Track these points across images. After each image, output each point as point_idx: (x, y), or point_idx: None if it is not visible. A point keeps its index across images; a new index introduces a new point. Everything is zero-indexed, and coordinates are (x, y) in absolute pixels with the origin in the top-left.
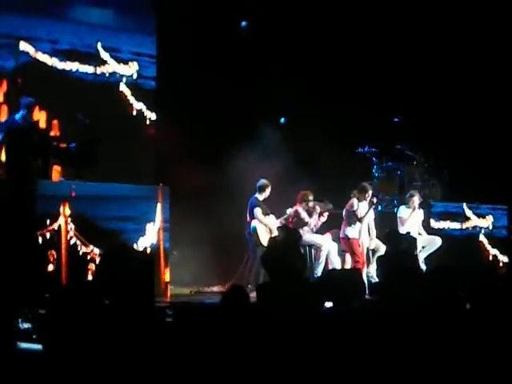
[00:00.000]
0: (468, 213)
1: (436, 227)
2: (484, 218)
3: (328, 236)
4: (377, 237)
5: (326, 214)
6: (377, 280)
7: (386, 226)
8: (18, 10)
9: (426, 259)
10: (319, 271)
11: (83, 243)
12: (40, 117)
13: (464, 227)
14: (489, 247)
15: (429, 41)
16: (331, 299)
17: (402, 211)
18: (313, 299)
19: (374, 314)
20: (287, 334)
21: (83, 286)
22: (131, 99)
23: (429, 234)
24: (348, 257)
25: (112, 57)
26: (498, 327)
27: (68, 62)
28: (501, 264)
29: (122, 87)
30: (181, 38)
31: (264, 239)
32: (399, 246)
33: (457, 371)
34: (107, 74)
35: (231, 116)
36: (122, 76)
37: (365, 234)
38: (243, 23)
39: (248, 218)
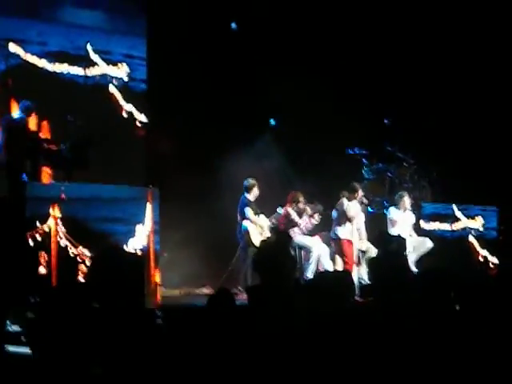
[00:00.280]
0: (458, 214)
1: (426, 228)
2: (474, 219)
3: (318, 238)
4: (367, 238)
5: (317, 216)
6: (367, 282)
7: (377, 228)
8: (8, 12)
9: (417, 261)
10: (309, 273)
11: (73, 245)
12: (30, 119)
13: (454, 228)
14: (479, 248)
15: (418, 42)
16: (321, 301)
17: (393, 212)
18: (303, 301)
19: (365, 316)
20: (278, 335)
21: (74, 288)
22: (121, 101)
23: (419, 235)
24: (338, 258)
25: (102, 59)
26: (488, 328)
27: (58, 64)
28: (491, 265)
29: (112, 89)
30: (171, 40)
31: (256, 239)
32: (389, 248)
33: (447, 372)
34: (97, 76)
35: (222, 118)
36: (112, 78)
37: (355, 235)
38: (233, 25)
39: (239, 218)
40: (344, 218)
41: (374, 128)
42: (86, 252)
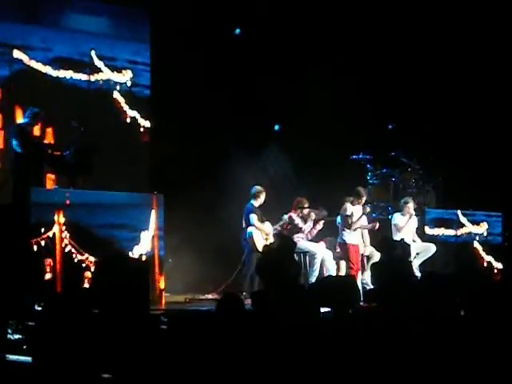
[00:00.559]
0: (463, 219)
1: (430, 234)
2: (478, 224)
3: (322, 244)
4: (370, 244)
5: (321, 222)
6: (371, 287)
7: (381, 233)
8: (12, 18)
9: (421, 266)
10: (313, 278)
11: (78, 251)
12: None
13: (459, 234)
14: (483, 254)
15: (422, 47)
16: (325, 306)
17: (397, 218)
18: (307, 306)
19: (369, 321)
20: (282, 341)
21: (78, 294)
22: (125, 107)
23: (423, 240)
24: (343, 264)
25: (106, 65)
26: (493, 334)
27: (62, 70)
28: (495, 271)
29: (116, 95)
30: (175, 46)
31: (260, 245)
32: (393, 253)
33: (451, 377)
34: (101, 82)
35: (225, 123)
36: (116, 84)
37: (360, 240)
38: (237, 31)
39: (244, 225)
40: (349, 223)
41: (378, 133)
42: (91, 258)
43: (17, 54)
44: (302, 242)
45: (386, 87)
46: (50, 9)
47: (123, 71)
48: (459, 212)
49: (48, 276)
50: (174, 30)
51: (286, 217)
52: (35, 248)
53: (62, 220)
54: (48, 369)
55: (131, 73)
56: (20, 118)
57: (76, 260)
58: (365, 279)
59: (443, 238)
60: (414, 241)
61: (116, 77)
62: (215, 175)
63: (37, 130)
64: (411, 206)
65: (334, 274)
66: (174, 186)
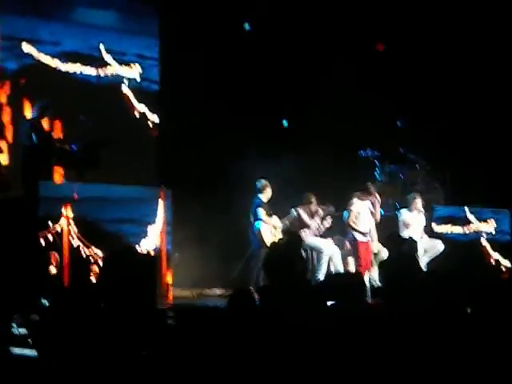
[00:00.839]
0: (470, 217)
1: (438, 231)
2: (486, 222)
3: (330, 240)
4: (378, 240)
5: (329, 219)
6: (379, 284)
7: (388, 230)
8: (22, 11)
9: (428, 263)
10: (321, 275)
11: (86, 245)
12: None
13: (466, 231)
14: (491, 251)
15: (431, 43)
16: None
17: (404, 214)
18: (314, 302)
19: (376, 318)
20: (288, 336)
21: (85, 289)
22: (134, 101)
23: (430, 237)
24: (351, 260)
25: (115, 59)
26: (499, 332)
27: (70, 64)
28: (503, 269)
29: (125, 89)
30: (184, 41)
31: (268, 240)
32: (400, 249)
33: (457, 374)
34: (110, 76)
35: (234, 118)
36: (125, 78)
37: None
38: (246, 25)
39: (252, 219)
40: (359, 219)
41: (386, 130)
42: (99, 252)
43: (26, 47)
44: (309, 237)
45: (395, 84)
46: (59, 2)
47: (132, 65)
48: (467, 209)
49: (55, 270)
50: (183, 24)
51: (293, 211)
52: (42, 242)
53: (70, 214)
54: (53, 363)
55: (140, 67)
56: (28, 112)
57: (83, 254)
58: (372, 275)
59: (451, 235)
60: (421, 237)
61: (125, 71)
62: (223, 170)
63: (45, 124)
64: (419, 201)
65: (341, 270)
66: (181, 180)
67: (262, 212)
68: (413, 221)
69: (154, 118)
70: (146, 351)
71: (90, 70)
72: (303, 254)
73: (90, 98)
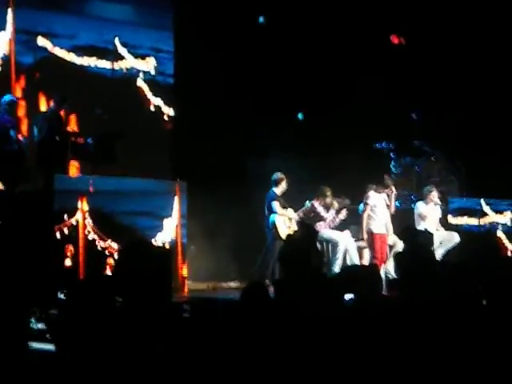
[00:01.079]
0: (486, 208)
1: (454, 223)
2: (502, 213)
3: (347, 232)
4: (394, 233)
5: (344, 212)
6: (394, 276)
7: (404, 223)
8: (38, 5)
9: (444, 255)
10: (336, 267)
11: (101, 238)
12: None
13: (482, 223)
14: (507, 243)
15: (446, 34)
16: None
17: (420, 207)
18: (329, 295)
19: (392, 311)
20: (304, 329)
21: (101, 281)
22: (149, 94)
23: (446, 230)
24: (366, 252)
25: (129, 52)
26: None
27: (86, 58)
28: None
29: (140, 82)
30: (199, 34)
31: (283, 233)
32: (416, 242)
33: (473, 367)
34: (125, 70)
35: (249, 111)
36: (140, 71)
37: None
38: (261, 18)
39: (266, 212)
40: (374, 211)
41: (401, 122)
42: (114, 245)
43: (41, 41)
44: (324, 230)
45: (410, 76)
46: None
47: (147, 59)
48: (482, 201)
49: (70, 263)
50: (197, 17)
51: (308, 203)
52: (58, 235)
53: (86, 207)
54: (71, 357)
55: (155, 60)
56: (44, 106)
57: (99, 247)
58: (388, 268)
59: (466, 227)
60: (437, 230)
61: (139, 64)
62: (238, 163)
63: (61, 117)
64: (435, 194)
65: (357, 262)
66: (196, 173)
67: (276, 205)
68: (429, 213)
69: (169, 111)
70: (162, 344)
71: (105, 64)
72: (319, 246)
73: (104, 91)
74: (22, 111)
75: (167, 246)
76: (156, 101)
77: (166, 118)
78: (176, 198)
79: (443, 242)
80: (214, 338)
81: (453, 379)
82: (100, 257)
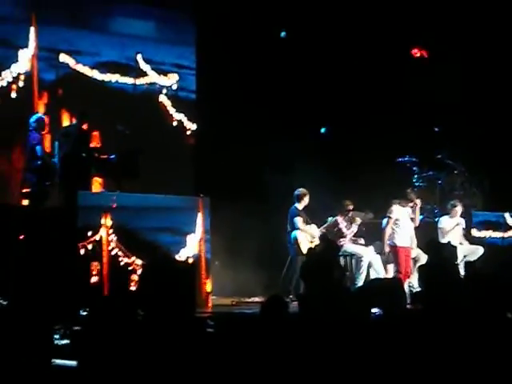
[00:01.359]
0: (510, 221)
1: (477, 236)
2: None
3: (371, 248)
4: (418, 246)
5: (355, 225)
6: (418, 289)
7: (427, 236)
8: (60, 23)
9: (468, 268)
10: (360, 281)
11: (125, 254)
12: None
13: (506, 236)
14: None
15: (470, 47)
16: (373, 308)
17: (444, 222)
18: (353, 309)
19: (416, 324)
20: (329, 344)
21: (124, 297)
22: (171, 110)
23: (470, 243)
24: (390, 267)
25: (152, 68)
26: None
27: (109, 74)
28: None
29: (162, 98)
30: (220, 49)
31: (305, 249)
32: (440, 256)
33: (495, 380)
34: (147, 85)
35: (271, 126)
36: (162, 87)
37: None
38: (282, 33)
39: (289, 228)
40: (397, 225)
41: (424, 135)
42: (138, 261)
43: (63, 58)
44: (348, 244)
45: (433, 90)
46: (96, 13)
47: (169, 75)
48: (506, 214)
49: (95, 279)
50: (219, 32)
51: (332, 219)
52: (82, 251)
53: (109, 223)
54: (94, 372)
55: (177, 76)
56: (67, 122)
57: (123, 263)
58: (411, 282)
59: (490, 240)
60: (461, 243)
61: (162, 80)
62: (262, 178)
63: (84, 131)
64: (459, 209)
65: (381, 276)
66: (220, 188)
67: (299, 221)
68: (453, 227)
69: (191, 126)
70: (186, 359)
71: (127, 80)
72: (342, 260)
73: (127, 107)
74: (45, 127)
75: (191, 262)
76: (178, 116)
77: (188, 133)
78: (199, 214)
79: (467, 255)
80: (239, 353)
81: None
82: (124, 273)
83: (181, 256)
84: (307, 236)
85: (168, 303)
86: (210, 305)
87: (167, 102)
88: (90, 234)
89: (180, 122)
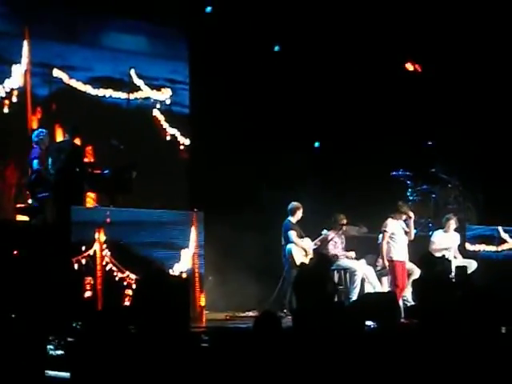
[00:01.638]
0: (504, 235)
1: (471, 250)
2: None
3: (363, 261)
4: (411, 260)
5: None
6: (412, 303)
7: (421, 250)
8: (52, 38)
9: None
10: (354, 295)
11: (119, 269)
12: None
13: (500, 250)
14: None
15: (462, 62)
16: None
17: (438, 235)
18: (347, 323)
19: (410, 338)
20: (322, 357)
21: (118, 312)
22: (165, 125)
23: (464, 257)
24: (384, 280)
25: (145, 83)
26: None
27: (102, 89)
28: None
29: (156, 113)
30: (213, 64)
31: (299, 262)
32: (434, 269)
33: None
34: (140, 100)
35: (264, 141)
36: (156, 102)
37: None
38: (276, 48)
39: (283, 242)
40: (394, 239)
41: (418, 150)
42: (132, 276)
43: (56, 73)
44: (342, 258)
45: (426, 104)
46: (89, 28)
47: (162, 89)
48: (500, 228)
49: (89, 294)
50: (212, 47)
51: (326, 232)
52: (76, 266)
53: (103, 238)
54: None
55: (170, 91)
56: (60, 137)
57: (117, 278)
58: (405, 295)
59: (484, 253)
60: (455, 257)
61: (155, 95)
62: (255, 192)
63: (77, 145)
64: (453, 222)
65: (379, 289)
66: (213, 203)
67: (293, 235)
68: (447, 241)
69: (185, 141)
70: (180, 374)
71: (120, 95)
72: (336, 275)
73: (120, 122)
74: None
75: (184, 276)
76: (172, 131)
77: (181, 147)
78: (193, 229)
79: None
80: (233, 368)
81: None
82: (118, 288)
83: (175, 271)
84: (301, 249)
85: (162, 318)
86: (204, 319)
87: (160, 117)
88: (83, 248)
89: (173, 136)
